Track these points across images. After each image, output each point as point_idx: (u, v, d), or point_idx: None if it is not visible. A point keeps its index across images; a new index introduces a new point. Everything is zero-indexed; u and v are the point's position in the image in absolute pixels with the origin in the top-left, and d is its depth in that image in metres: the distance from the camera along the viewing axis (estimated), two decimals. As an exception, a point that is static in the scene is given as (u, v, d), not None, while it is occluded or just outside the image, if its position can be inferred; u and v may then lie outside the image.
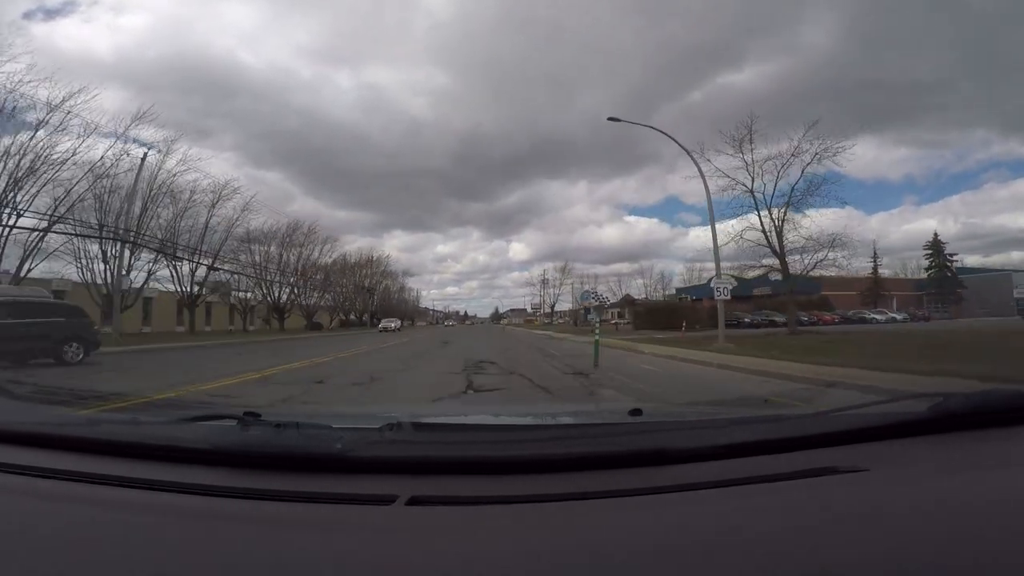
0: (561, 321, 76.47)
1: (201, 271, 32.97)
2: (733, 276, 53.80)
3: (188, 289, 32.36)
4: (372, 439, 0.94)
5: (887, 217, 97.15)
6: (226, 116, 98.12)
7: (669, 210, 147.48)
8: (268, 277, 42.07)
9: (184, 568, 0.65)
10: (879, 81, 77.05)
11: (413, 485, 0.81)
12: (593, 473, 0.86)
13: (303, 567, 0.63)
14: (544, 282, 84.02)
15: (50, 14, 65.30)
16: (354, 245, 78.12)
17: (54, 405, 1.78)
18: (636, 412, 1.29)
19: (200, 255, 32.10)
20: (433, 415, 1.74)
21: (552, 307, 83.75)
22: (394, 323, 45.07)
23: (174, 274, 31.51)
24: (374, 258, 68.24)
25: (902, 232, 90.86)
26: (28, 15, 53.51)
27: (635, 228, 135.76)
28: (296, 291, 46.60)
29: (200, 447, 0.97)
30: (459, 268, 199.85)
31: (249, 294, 41.91)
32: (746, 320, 35.97)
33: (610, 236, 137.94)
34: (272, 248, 42.77)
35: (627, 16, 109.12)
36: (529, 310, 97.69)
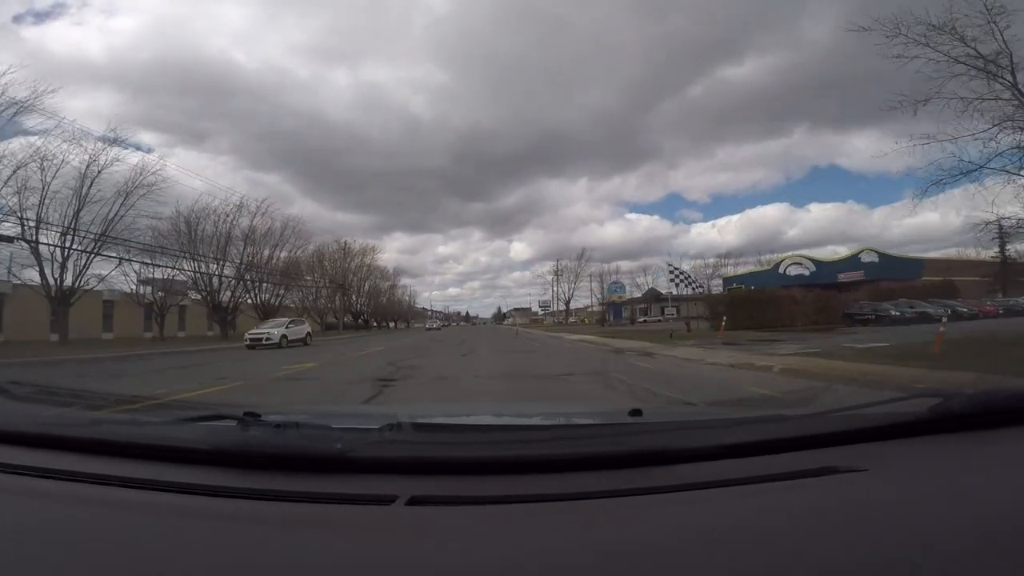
0: (573, 320, 67.88)
1: (110, 262, 24.45)
2: (808, 258, 45.71)
3: (57, 282, 22.52)
4: (372, 439, 0.95)
5: (889, 211, 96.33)
6: (223, 118, 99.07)
7: (670, 207, 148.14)
8: (204, 269, 31.74)
9: (184, 568, 0.65)
10: (881, 73, 76.41)
11: (413, 485, 0.81)
12: (594, 473, 0.86)
13: (303, 567, 0.63)
14: (557, 275, 70.53)
15: (40, 17, 65.90)
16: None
17: (54, 405, 1.78)
18: (636, 412, 1.29)
19: (74, 234, 22.19)
20: (433, 415, 1.74)
21: (567, 304, 71.73)
22: (277, 330, 22.70)
23: (43, 261, 21.87)
24: (347, 246, 53.41)
25: (905, 226, 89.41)
26: (17, 18, 53.71)
27: (636, 226, 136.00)
28: (247, 287, 35.77)
29: (200, 447, 0.97)
30: (460, 269, 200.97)
31: (194, 295, 33.13)
32: (893, 313, 24.99)
33: (611, 234, 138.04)
34: (209, 229, 32.15)
35: (626, 11, 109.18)
36: (536, 309, 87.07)
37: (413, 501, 0.77)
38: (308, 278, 45.12)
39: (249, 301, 36.64)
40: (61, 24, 79.35)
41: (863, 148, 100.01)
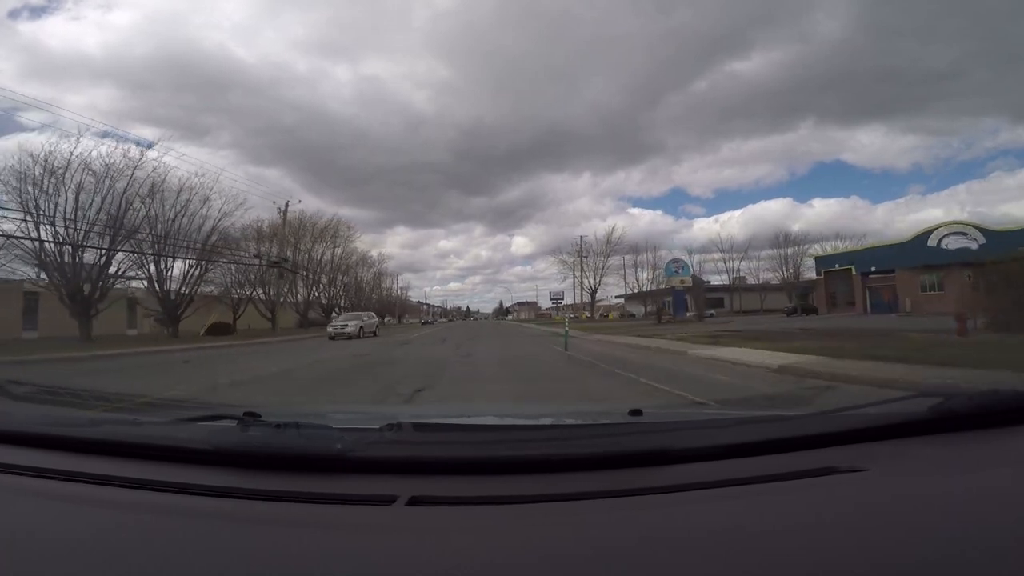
0: (587, 316, 53.52)
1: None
2: (974, 226, 31.75)
3: None
4: (372, 439, 0.94)
5: (893, 206, 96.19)
6: (222, 113, 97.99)
7: (673, 202, 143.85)
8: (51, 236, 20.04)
9: (184, 568, 0.65)
10: (889, 68, 75.72)
11: (413, 485, 0.81)
12: (594, 473, 0.86)
13: (303, 567, 0.63)
14: (581, 257, 54.76)
15: (36, 12, 65.74)
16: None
17: (54, 405, 1.78)
18: (636, 412, 1.29)
19: None
20: (434, 415, 1.74)
21: (593, 294, 56.06)
22: None
23: None
24: (288, 212, 35.00)
25: (908, 222, 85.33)
26: (13, 14, 53.12)
27: (638, 220, 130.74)
28: (144, 265, 24.32)
29: (200, 447, 0.98)
30: (462, 264, 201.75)
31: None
32: None
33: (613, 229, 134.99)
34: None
35: (632, 4, 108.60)
36: (545, 303, 72.46)
37: (413, 501, 0.77)
38: (243, 254, 31.90)
39: (144, 287, 26.11)
40: (58, 19, 79.46)
41: (868, 143, 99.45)
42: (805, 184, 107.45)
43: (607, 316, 58.07)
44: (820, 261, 43.36)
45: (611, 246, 55.25)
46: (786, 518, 0.71)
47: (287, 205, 35.45)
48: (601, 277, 55.53)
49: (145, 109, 77.58)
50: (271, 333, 30.65)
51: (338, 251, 47.47)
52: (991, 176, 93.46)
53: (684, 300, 41.40)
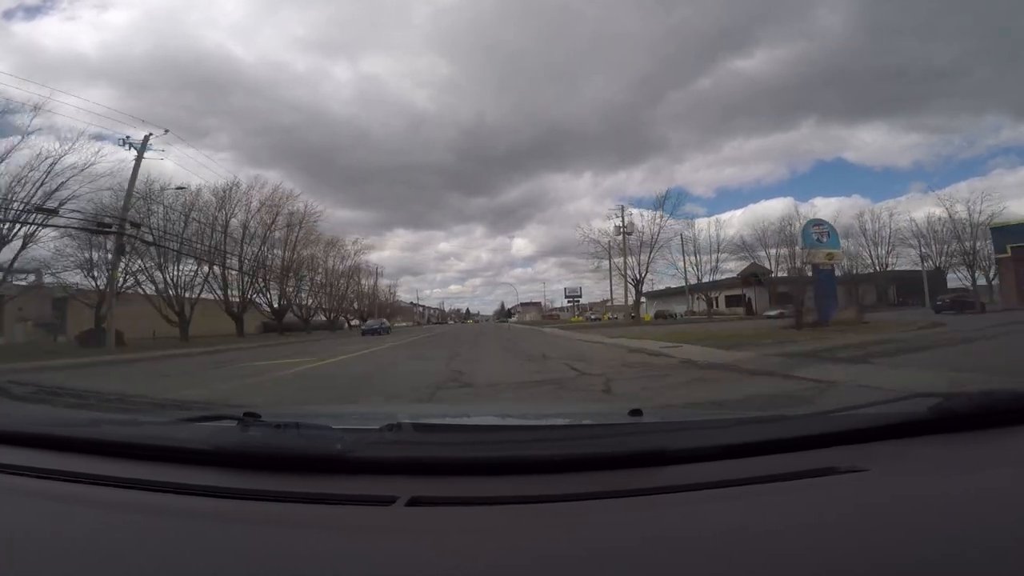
0: (609, 317, 44.00)
1: None
2: None
3: None
4: (372, 440, 0.95)
5: (893, 204, 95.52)
6: (221, 113, 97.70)
7: (674, 202, 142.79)
8: None
9: (183, 569, 0.65)
10: (891, 65, 75.88)
11: (413, 486, 0.81)
12: (594, 474, 0.86)
13: (303, 567, 0.63)
14: (623, 234, 40.28)
15: (31, 12, 65.71)
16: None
17: (54, 405, 1.77)
18: (636, 412, 1.29)
19: None
20: (434, 416, 1.74)
21: (638, 285, 41.23)
22: None
23: None
24: (141, 147, 21.20)
25: (907, 221, 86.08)
26: (8, 14, 52.92)
27: (640, 220, 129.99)
28: None
29: (200, 447, 0.97)
30: (462, 266, 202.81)
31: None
32: None
33: (614, 229, 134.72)
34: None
35: (635, 0, 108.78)
36: (558, 302, 61.41)
37: (413, 502, 0.77)
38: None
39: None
40: (52, 19, 79.71)
41: (870, 141, 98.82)
42: (806, 183, 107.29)
43: (645, 318, 44.88)
44: (1002, 232, 29.37)
45: (661, 223, 41.02)
46: (786, 518, 0.71)
47: (146, 139, 21.32)
48: (650, 262, 41.28)
49: (143, 109, 77.97)
50: (178, 344, 21.80)
51: (294, 235, 36.59)
52: (992, 174, 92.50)
53: (834, 291, 21.89)
